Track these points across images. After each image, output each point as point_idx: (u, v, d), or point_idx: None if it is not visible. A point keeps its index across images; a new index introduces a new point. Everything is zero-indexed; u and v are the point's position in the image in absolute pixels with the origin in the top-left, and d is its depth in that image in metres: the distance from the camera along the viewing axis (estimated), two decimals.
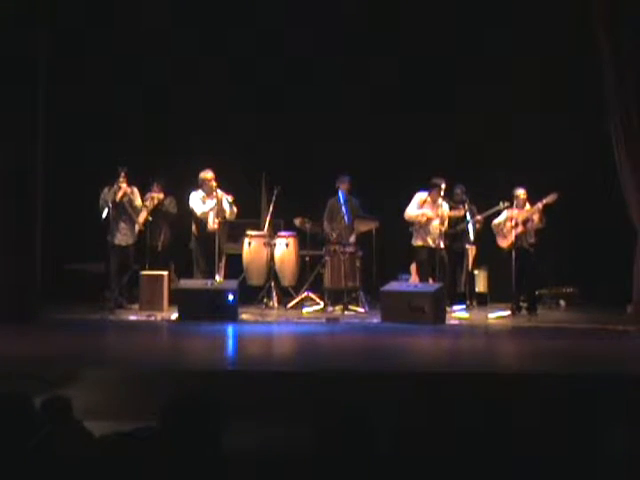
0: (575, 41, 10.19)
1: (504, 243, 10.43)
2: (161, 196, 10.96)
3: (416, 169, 10.77)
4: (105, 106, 11.19)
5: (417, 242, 10.58)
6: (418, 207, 10.50)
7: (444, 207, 10.46)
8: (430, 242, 10.45)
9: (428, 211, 10.43)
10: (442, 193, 10.42)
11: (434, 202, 10.47)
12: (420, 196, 10.52)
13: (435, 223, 10.42)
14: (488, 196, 10.70)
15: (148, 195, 10.92)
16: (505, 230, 10.39)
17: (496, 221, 10.52)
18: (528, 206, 10.32)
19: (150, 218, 10.85)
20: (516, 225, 10.24)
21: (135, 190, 10.67)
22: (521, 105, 11.00)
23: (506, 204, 10.31)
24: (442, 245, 10.43)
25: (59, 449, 3.00)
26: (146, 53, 11.28)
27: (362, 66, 11.42)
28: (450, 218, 10.59)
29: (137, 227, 10.74)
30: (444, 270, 10.42)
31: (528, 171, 10.59)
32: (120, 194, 10.44)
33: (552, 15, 10.68)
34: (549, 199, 10.14)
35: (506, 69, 11.06)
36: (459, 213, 10.65)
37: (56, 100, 9.92)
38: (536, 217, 10.25)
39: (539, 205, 10.20)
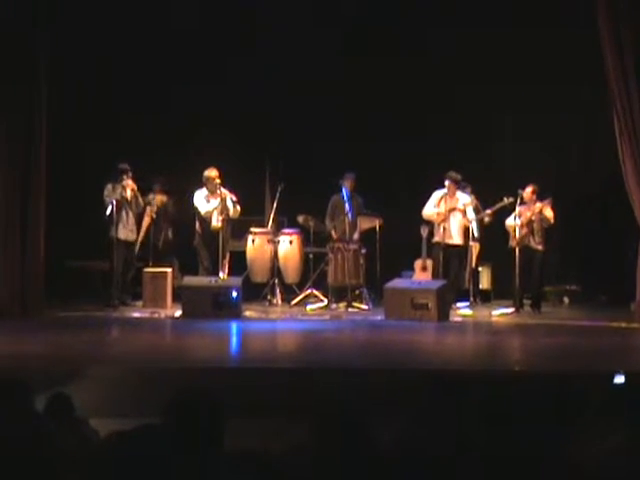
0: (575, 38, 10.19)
1: (513, 242, 10.37)
2: (164, 198, 11.06)
3: (420, 166, 10.75)
4: (106, 105, 11.19)
5: (434, 239, 10.54)
6: (435, 205, 10.44)
7: (465, 198, 10.38)
8: (446, 240, 10.37)
9: (441, 209, 10.35)
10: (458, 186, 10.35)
11: (452, 197, 10.41)
12: (437, 194, 10.44)
13: (456, 219, 10.36)
14: (492, 193, 10.69)
15: (151, 195, 11.01)
16: (512, 230, 10.37)
17: (508, 222, 10.46)
18: (538, 204, 10.25)
19: (154, 216, 10.97)
20: (521, 226, 10.23)
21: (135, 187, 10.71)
22: (522, 104, 10.97)
23: (510, 199, 10.27)
24: (460, 241, 10.38)
25: (59, 446, 2.99)
26: (146, 52, 11.27)
27: (365, 65, 11.43)
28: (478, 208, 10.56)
29: (143, 224, 10.90)
30: (450, 267, 10.35)
31: (533, 169, 10.57)
32: (129, 191, 10.45)
33: (552, 15, 10.68)
34: (544, 204, 10.13)
35: (506, 69, 11.03)
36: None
37: (57, 99, 9.90)
38: (538, 218, 10.22)
39: (537, 209, 10.18)
